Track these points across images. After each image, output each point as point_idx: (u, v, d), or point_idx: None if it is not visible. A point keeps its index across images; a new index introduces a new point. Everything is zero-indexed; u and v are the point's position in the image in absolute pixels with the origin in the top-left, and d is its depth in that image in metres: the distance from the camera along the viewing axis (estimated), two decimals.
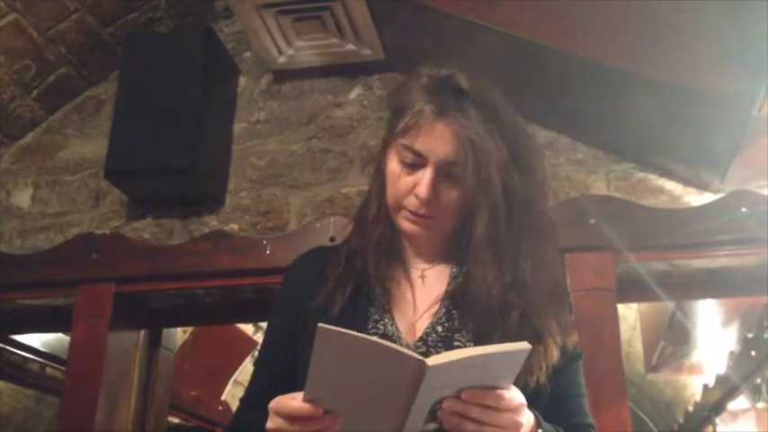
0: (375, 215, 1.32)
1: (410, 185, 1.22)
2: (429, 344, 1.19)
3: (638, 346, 4.84)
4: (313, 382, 0.95)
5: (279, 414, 1.01)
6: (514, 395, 1.01)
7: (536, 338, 1.15)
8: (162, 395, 2.85)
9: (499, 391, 0.99)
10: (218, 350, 4.84)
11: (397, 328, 1.22)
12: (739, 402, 4.33)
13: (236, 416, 1.37)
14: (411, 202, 1.23)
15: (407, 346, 1.18)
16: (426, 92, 1.24)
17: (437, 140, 1.20)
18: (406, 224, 1.25)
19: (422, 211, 1.22)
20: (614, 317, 2.23)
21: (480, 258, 1.21)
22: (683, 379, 5.25)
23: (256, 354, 5.13)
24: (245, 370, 5.24)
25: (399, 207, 1.25)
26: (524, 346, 0.96)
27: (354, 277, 1.28)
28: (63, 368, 3.10)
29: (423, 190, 1.20)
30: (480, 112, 1.21)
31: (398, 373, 0.92)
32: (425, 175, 1.20)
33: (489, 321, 1.17)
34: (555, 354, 1.18)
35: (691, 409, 5.11)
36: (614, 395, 2.12)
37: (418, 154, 1.21)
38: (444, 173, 1.21)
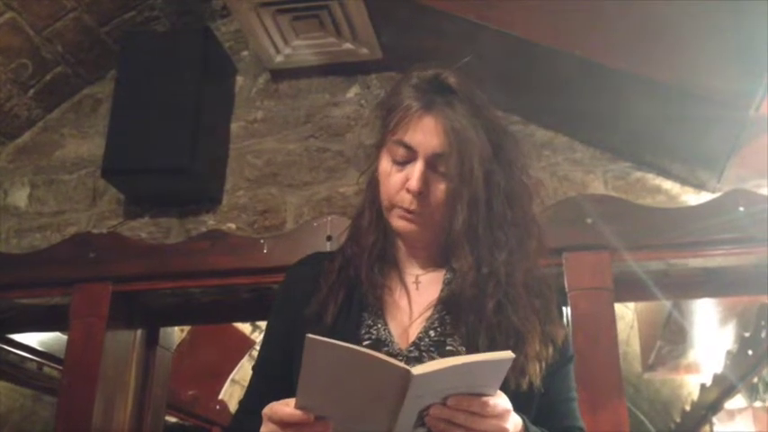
0: (369, 222, 1.34)
1: (401, 181, 1.25)
2: (421, 348, 1.20)
3: (635, 346, 4.85)
4: (304, 389, 0.98)
5: (271, 420, 1.03)
6: (499, 401, 1.03)
7: (516, 336, 1.18)
8: (159, 394, 2.85)
9: (484, 398, 1.00)
10: (216, 349, 4.83)
11: (389, 333, 1.24)
12: (736, 401, 4.34)
13: (234, 421, 1.39)
14: (403, 198, 1.25)
15: (400, 351, 1.20)
16: (415, 90, 1.28)
17: (426, 134, 1.24)
18: (399, 222, 1.27)
19: (413, 207, 1.24)
20: (611, 316, 2.23)
21: (459, 250, 1.24)
22: (680, 378, 5.25)
23: (254, 353, 5.14)
24: (243, 369, 5.24)
25: (392, 206, 1.27)
26: (507, 354, 0.98)
27: (347, 285, 1.30)
28: (60, 367, 3.09)
29: (413, 182, 1.22)
30: (466, 107, 1.25)
31: (385, 381, 0.95)
32: (416, 168, 1.23)
33: (472, 316, 1.20)
34: (539, 347, 1.19)
35: (688, 408, 5.12)
36: (611, 394, 2.12)
37: (408, 147, 1.24)
38: (433, 166, 1.24)
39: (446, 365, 0.96)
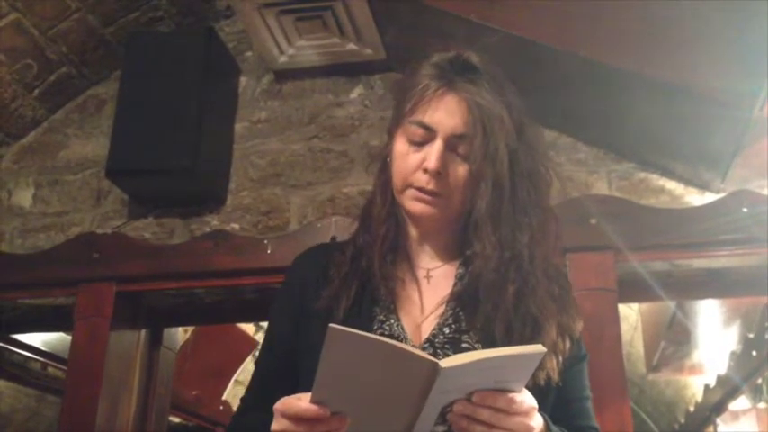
0: (380, 211, 1.30)
1: (418, 162, 1.21)
2: (436, 345, 1.18)
3: (639, 347, 4.84)
4: (321, 383, 0.94)
5: (285, 415, 0.99)
6: (525, 398, 1.00)
7: (534, 324, 1.15)
8: (163, 394, 2.85)
9: (510, 394, 0.98)
10: (220, 350, 4.84)
11: (402, 328, 1.21)
12: (740, 402, 4.33)
13: (237, 416, 1.36)
14: (419, 178, 1.21)
15: (414, 348, 1.15)
16: (435, 69, 1.24)
17: (446, 113, 1.20)
18: (413, 204, 1.23)
19: (430, 187, 1.20)
20: (615, 317, 2.22)
21: (481, 232, 1.20)
22: (684, 379, 5.25)
23: (257, 353, 5.14)
24: (246, 369, 5.25)
25: (406, 186, 1.23)
26: (539, 348, 0.95)
27: (359, 276, 1.26)
28: (64, 367, 3.10)
29: (432, 161, 1.18)
30: (489, 86, 1.21)
31: (410, 374, 0.91)
32: (434, 147, 1.19)
33: (489, 304, 1.16)
34: (556, 338, 1.16)
35: (692, 409, 5.10)
36: (615, 395, 2.12)
37: (427, 128, 1.21)
38: (453, 148, 1.20)
39: (476, 358, 0.93)
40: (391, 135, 1.29)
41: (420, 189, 1.21)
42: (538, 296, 1.18)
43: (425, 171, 1.20)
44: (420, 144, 1.22)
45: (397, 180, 1.25)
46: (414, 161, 1.22)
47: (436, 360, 0.90)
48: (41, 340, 3.69)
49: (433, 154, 1.19)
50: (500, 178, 1.20)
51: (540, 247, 1.22)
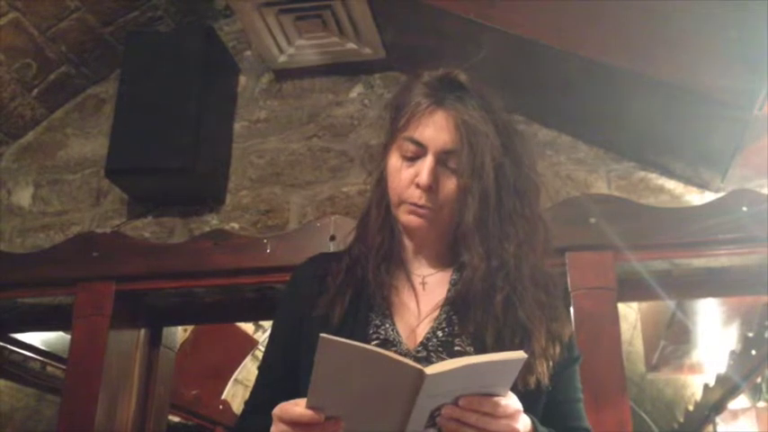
0: (376, 222, 1.35)
1: (411, 177, 1.26)
2: (429, 348, 1.21)
3: (638, 346, 4.85)
4: (315, 389, 0.98)
5: (282, 420, 1.03)
6: (510, 402, 1.03)
7: (523, 332, 1.19)
8: (162, 394, 2.85)
9: (496, 398, 1.01)
10: (219, 349, 4.84)
11: (397, 333, 1.24)
12: (740, 401, 4.33)
13: (240, 420, 1.39)
14: (412, 193, 1.25)
15: (408, 351, 1.20)
16: (425, 87, 1.29)
17: (436, 130, 1.25)
18: (407, 217, 1.27)
19: (422, 201, 1.25)
20: (615, 316, 2.22)
21: (469, 243, 1.25)
22: (684, 378, 5.25)
23: (257, 353, 5.14)
24: (246, 369, 5.25)
25: (401, 201, 1.27)
26: (520, 354, 0.99)
27: (354, 284, 1.31)
28: (63, 367, 3.10)
29: (423, 177, 1.23)
30: (476, 103, 1.26)
31: (397, 381, 0.95)
32: (426, 163, 1.24)
33: (480, 311, 1.20)
34: (545, 344, 1.20)
35: (691, 408, 5.10)
36: (615, 394, 2.12)
37: (418, 144, 1.25)
38: (443, 163, 1.25)
39: (459, 365, 0.96)
40: (386, 150, 1.34)
41: (413, 204, 1.26)
42: (526, 304, 1.22)
43: (418, 186, 1.25)
44: (412, 159, 1.27)
45: (392, 195, 1.30)
46: (407, 176, 1.27)
47: (421, 367, 0.94)
48: (41, 339, 3.68)
49: (424, 170, 1.24)
50: (486, 191, 1.24)
51: (527, 256, 1.26)
